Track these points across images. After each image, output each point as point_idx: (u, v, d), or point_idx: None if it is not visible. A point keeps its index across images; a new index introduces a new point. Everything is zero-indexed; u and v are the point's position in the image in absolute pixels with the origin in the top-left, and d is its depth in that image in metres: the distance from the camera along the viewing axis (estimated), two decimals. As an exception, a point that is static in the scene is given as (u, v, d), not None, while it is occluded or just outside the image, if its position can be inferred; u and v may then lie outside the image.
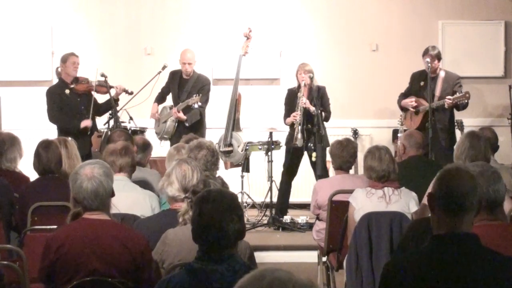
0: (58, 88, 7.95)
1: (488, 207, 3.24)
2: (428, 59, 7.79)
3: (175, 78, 8.31)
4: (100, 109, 8.02)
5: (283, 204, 8.06)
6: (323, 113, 7.82)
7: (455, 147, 5.15)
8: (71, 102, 7.87)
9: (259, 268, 1.87)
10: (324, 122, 7.88)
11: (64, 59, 7.91)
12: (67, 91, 7.86)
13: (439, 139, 7.73)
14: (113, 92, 7.95)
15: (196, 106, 7.90)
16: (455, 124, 8.26)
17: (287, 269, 1.81)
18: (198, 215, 2.93)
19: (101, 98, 8.09)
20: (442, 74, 7.91)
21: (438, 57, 7.89)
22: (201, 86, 8.15)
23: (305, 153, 7.91)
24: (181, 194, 4.06)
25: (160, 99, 8.41)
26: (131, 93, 8.07)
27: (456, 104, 7.68)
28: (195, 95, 7.93)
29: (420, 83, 7.99)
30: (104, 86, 7.92)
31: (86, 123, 7.76)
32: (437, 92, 7.85)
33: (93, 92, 7.89)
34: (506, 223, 3.26)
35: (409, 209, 4.86)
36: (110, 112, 7.95)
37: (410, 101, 7.98)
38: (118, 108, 7.94)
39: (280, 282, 1.75)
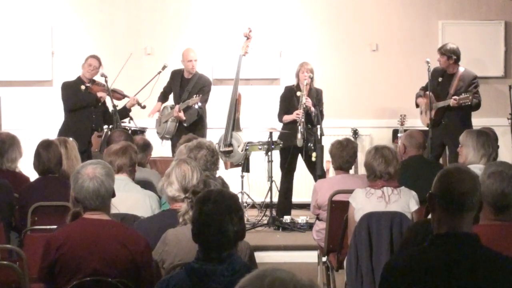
0: (74, 83, 8.08)
1: (495, 207, 3.23)
2: (438, 55, 7.84)
3: (176, 77, 8.32)
4: (111, 117, 8.00)
5: (285, 204, 8.06)
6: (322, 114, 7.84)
7: (460, 147, 5.12)
8: (84, 99, 7.94)
9: (259, 268, 1.87)
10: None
11: (85, 60, 8.08)
12: (83, 87, 7.98)
13: (453, 138, 7.63)
14: (126, 101, 8.09)
15: (196, 106, 7.91)
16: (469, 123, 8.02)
17: (287, 269, 1.80)
18: (198, 215, 2.93)
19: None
20: (460, 71, 7.89)
21: (447, 54, 7.83)
22: (202, 86, 8.17)
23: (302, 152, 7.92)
24: (181, 195, 4.06)
25: (163, 98, 8.43)
26: (144, 107, 8.15)
27: (461, 104, 7.66)
28: (195, 95, 7.94)
29: (439, 79, 7.95)
30: (119, 93, 8.05)
31: (101, 94, 7.92)
32: (452, 90, 7.80)
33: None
34: (508, 224, 3.25)
35: (409, 208, 4.85)
36: (110, 112, 7.99)
37: (424, 101, 7.93)
38: (118, 108, 7.96)
39: (281, 282, 1.75)
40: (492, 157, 4.98)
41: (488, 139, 5.05)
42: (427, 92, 7.88)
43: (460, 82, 7.82)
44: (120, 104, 8.15)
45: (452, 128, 7.64)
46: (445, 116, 7.75)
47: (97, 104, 7.98)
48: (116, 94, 8.11)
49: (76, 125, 7.87)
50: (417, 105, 8.11)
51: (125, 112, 8.13)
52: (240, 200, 7.58)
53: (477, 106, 7.78)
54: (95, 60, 8.02)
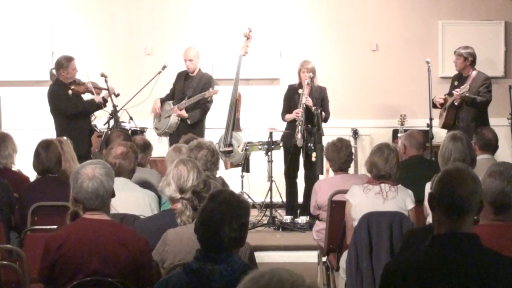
0: (61, 89, 7.76)
1: (495, 207, 3.22)
2: (455, 57, 7.92)
3: (181, 76, 8.32)
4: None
5: (293, 204, 8.05)
6: (323, 113, 7.82)
7: (439, 150, 5.12)
8: (87, 109, 7.84)
9: (261, 268, 1.86)
10: (323, 123, 7.88)
11: (66, 64, 7.71)
12: (70, 92, 7.80)
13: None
14: (104, 93, 7.92)
15: (209, 99, 7.96)
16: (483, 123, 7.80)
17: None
18: (202, 210, 2.95)
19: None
20: (473, 74, 7.93)
21: (464, 56, 7.91)
22: (205, 83, 8.17)
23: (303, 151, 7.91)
24: (177, 195, 4.07)
25: (166, 99, 8.36)
26: (118, 95, 7.98)
27: (464, 99, 7.67)
28: (210, 88, 7.97)
29: (455, 82, 8.02)
30: (99, 88, 7.93)
31: (98, 98, 7.75)
32: None
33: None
34: (509, 224, 3.24)
35: (405, 206, 4.90)
36: (110, 112, 7.94)
37: (439, 97, 7.96)
38: (118, 108, 7.93)
39: (278, 281, 1.75)
40: (465, 159, 4.91)
41: (459, 142, 4.99)
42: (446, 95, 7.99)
43: (473, 83, 7.85)
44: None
45: (464, 128, 7.64)
46: (459, 117, 7.77)
47: (98, 109, 7.89)
48: (97, 90, 7.95)
49: (76, 130, 7.66)
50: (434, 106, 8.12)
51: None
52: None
53: (483, 104, 7.80)
54: (75, 61, 7.86)
